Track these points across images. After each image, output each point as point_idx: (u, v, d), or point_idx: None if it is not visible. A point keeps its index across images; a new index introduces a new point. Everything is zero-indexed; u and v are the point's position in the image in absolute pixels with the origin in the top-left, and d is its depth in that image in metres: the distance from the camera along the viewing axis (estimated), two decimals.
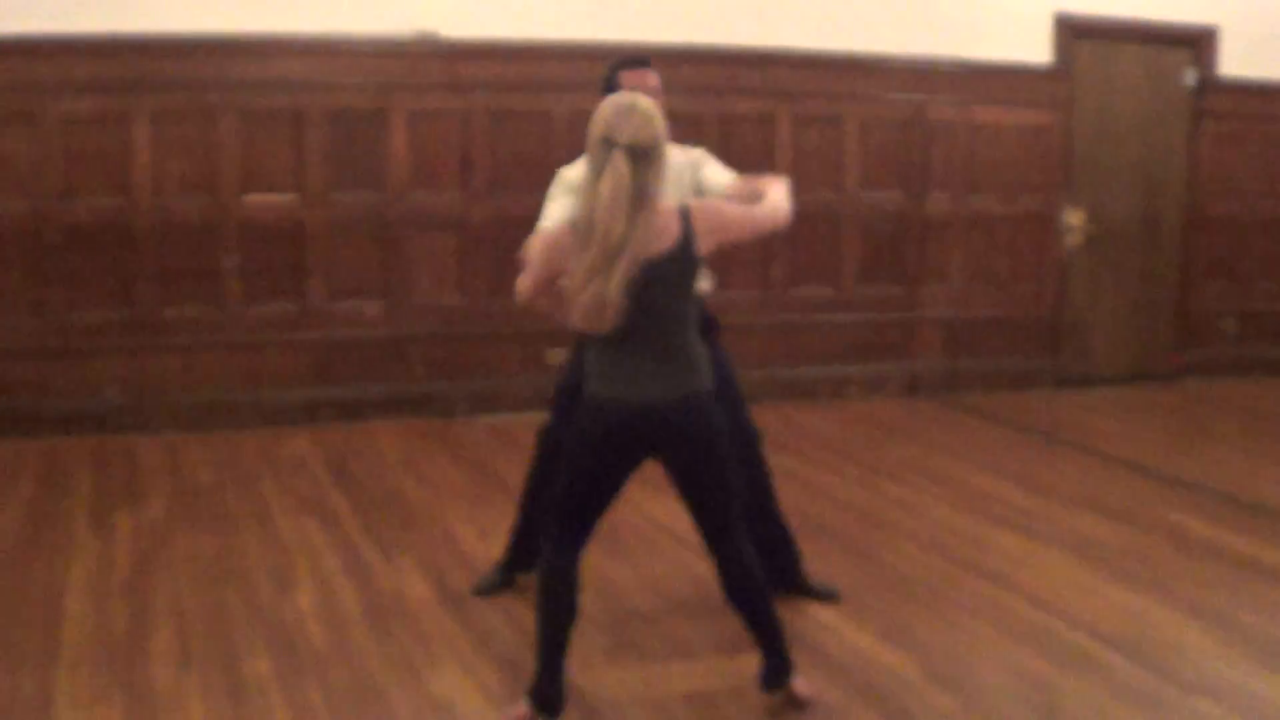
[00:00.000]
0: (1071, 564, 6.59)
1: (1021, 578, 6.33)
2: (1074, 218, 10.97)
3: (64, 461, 8.17)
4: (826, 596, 5.94)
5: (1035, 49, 10.87)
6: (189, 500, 7.41)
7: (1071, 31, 10.93)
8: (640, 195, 4.33)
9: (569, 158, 9.43)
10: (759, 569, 4.77)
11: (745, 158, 10.01)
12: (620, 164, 4.29)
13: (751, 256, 10.02)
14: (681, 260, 4.44)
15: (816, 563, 6.13)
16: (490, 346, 9.54)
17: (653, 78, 5.81)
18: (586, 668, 5.16)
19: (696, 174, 5.75)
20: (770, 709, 4.83)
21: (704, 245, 4.51)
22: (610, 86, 5.64)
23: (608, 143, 4.34)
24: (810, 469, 8.10)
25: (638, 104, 4.44)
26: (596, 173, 4.36)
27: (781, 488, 6.06)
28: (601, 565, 6.33)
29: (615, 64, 5.85)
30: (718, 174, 5.79)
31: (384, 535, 6.79)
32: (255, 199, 9.00)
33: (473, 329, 9.49)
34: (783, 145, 10.07)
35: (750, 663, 5.01)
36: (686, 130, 9.75)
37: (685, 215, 4.48)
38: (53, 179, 8.65)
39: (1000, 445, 9.15)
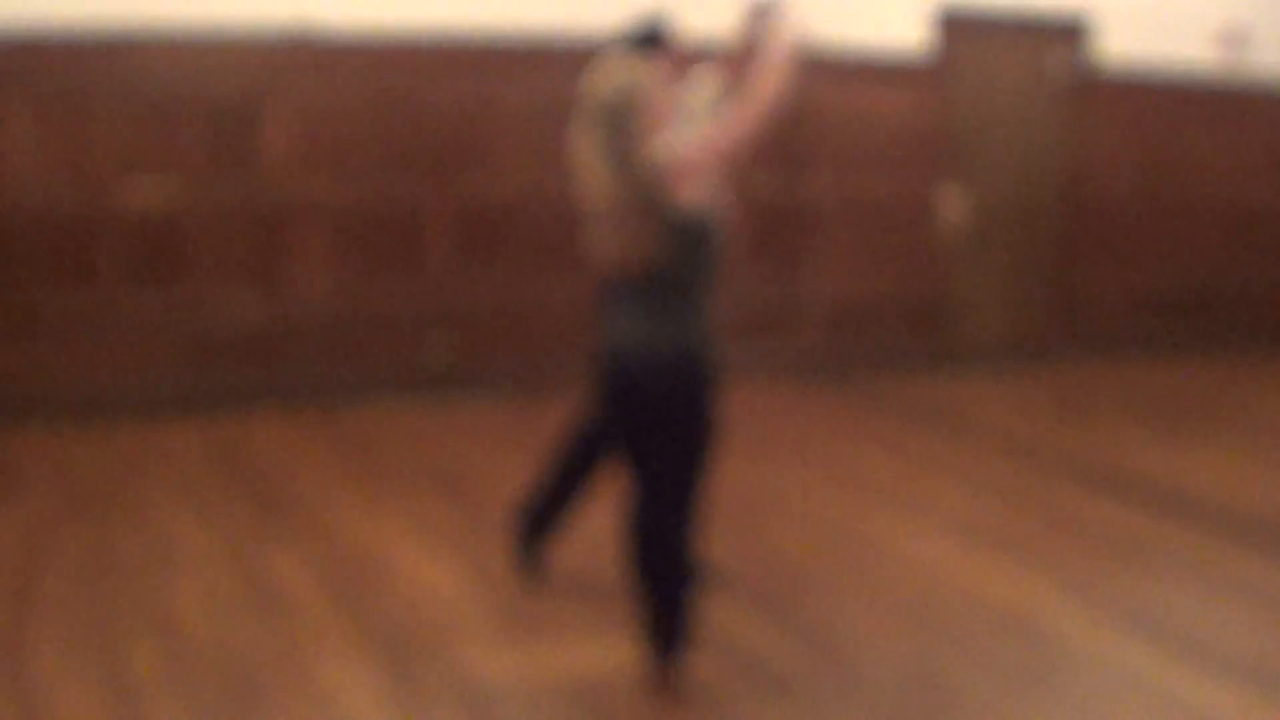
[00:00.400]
0: (951, 540, 6.73)
1: (901, 554, 6.47)
2: (954, 200, 11.13)
3: None
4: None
5: (915, 34, 11.01)
6: (70, 492, 7.35)
7: (951, 18, 11.08)
8: (613, 152, 4.42)
9: (445, 146, 9.52)
10: (667, 555, 4.78)
11: None
12: (580, 126, 4.46)
13: None
14: None
15: (697, 541, 6.19)
16: (373, 335, 9.53)
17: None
18: (469, 651, 5.22)
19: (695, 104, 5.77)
20: (649, 687, 4.90)
21: (681, 193, 4.50)
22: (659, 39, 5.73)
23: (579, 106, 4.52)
24: None
25: (599, 68, 4.58)
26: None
27: None
28: (482, 551, 6.40)
29: (653, 22, 5.82)
30: (698, 97, 5.77)
31: (268, 525, 6.79)
32: (132, 190, 8.93)
33: (355, 317, 9.48)
34: None
35: (630, 643, 5.09)
36: (563, 119, 9.84)
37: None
38: None
39: (881, 424, 9.28)
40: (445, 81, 9.45)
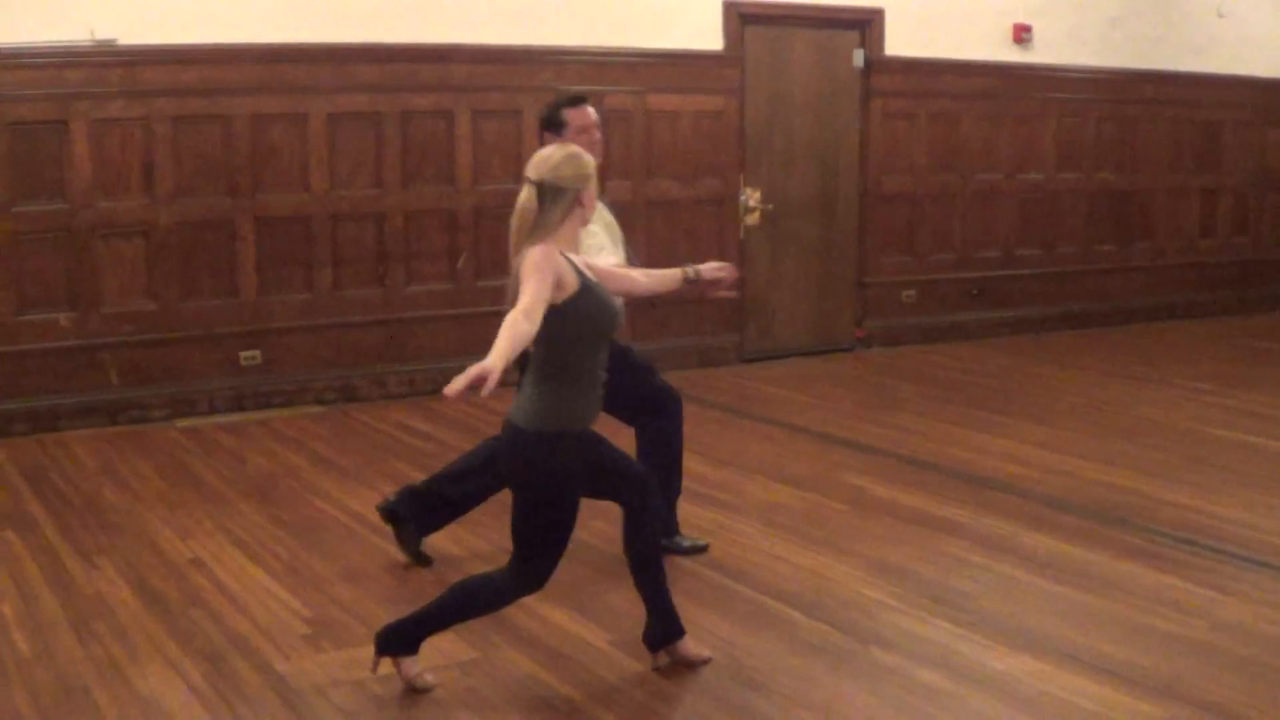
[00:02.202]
0: (757, 531, 6.99)
1: (710, 547, 6.67)
2: (752, 198, 11.38)
3: None
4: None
5: (707, 36, 11.27)
6: None
7: (741, 18, 11.38)
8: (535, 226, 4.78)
9: (249, 160, 9.54)
10: (482, 598, 5.09)
11: (426, 153, 10.22)
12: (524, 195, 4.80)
13: (438, 249, 10.23)
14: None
15: (504, 543, 6.33)
16: (183, 350, 9.54)
17: (591, 113, 6.29)
18: (288, 655, 5.36)
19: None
20: (464, 684, 5.10)
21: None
22: (555, 122, 6.21)
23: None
24: None
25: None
26: None
27: None
28: (301, 556, 6.55)
29: (558, 102, 6.32)
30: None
31: (84, 541, 6.83)
32: None
33: (164, 334, 9.48)
34: (462, 139, 10.30)
35: (443, 642, 5.27)
36: (367, 127, 9.92)
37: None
38: None
39: (689, 421, 9.36)
40: (249, 96, 9.52)
